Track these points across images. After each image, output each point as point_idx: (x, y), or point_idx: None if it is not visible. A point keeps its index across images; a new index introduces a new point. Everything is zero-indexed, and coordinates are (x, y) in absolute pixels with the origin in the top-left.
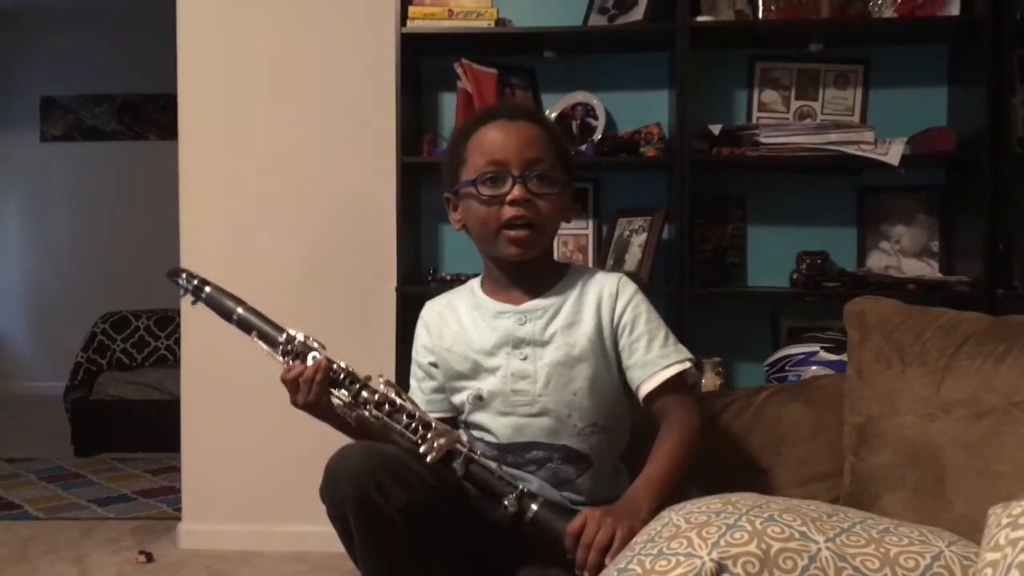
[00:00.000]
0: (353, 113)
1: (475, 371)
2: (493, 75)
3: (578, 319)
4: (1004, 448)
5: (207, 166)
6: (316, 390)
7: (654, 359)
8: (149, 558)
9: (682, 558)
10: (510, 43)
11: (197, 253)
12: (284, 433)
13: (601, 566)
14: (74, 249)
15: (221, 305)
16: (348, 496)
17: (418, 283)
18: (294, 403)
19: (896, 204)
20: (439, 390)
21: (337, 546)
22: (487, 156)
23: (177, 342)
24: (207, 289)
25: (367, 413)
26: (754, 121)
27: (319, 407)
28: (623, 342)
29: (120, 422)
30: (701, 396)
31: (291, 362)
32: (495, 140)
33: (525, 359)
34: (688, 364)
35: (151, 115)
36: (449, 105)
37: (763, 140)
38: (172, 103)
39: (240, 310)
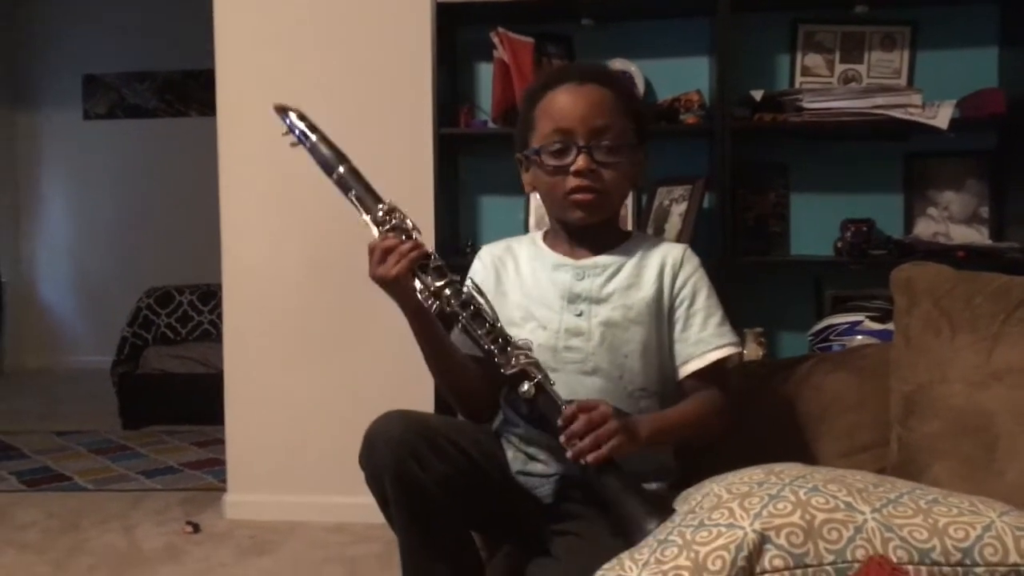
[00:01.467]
0: (389, 85)
1: (526, 319)
2: (530, 44)
3: (638, 281)
4: None
5: (245, 141)
6: (404, 265)
7: (707, 338)
8: (196, 528)
9: (724, 529)
10: (547, 10)
11: (238, 228)
12: (326, 405)
13: (591, 450)
14: (118, 226)
15: (324, 157)
16: (386, 465)
17: (456, 255)
18: (373, 274)
19: (944, 169)
20: None
21: (378, 517)
22: (553, 123)
23: (219, 316)
24: (313, 137)
25: (447, 308)
26: (797, 86)
27: (399, 284)
28: (679, 312)
29: (165, 395)
30: (737, 382)
31: (387, 234)
32: (563, 106)
33: (580, 315)
34: (737, 348)
35: (192, 92)
36: (486, 75)
37: (806, 106)
38: (212, 79)
39: (342, 168)
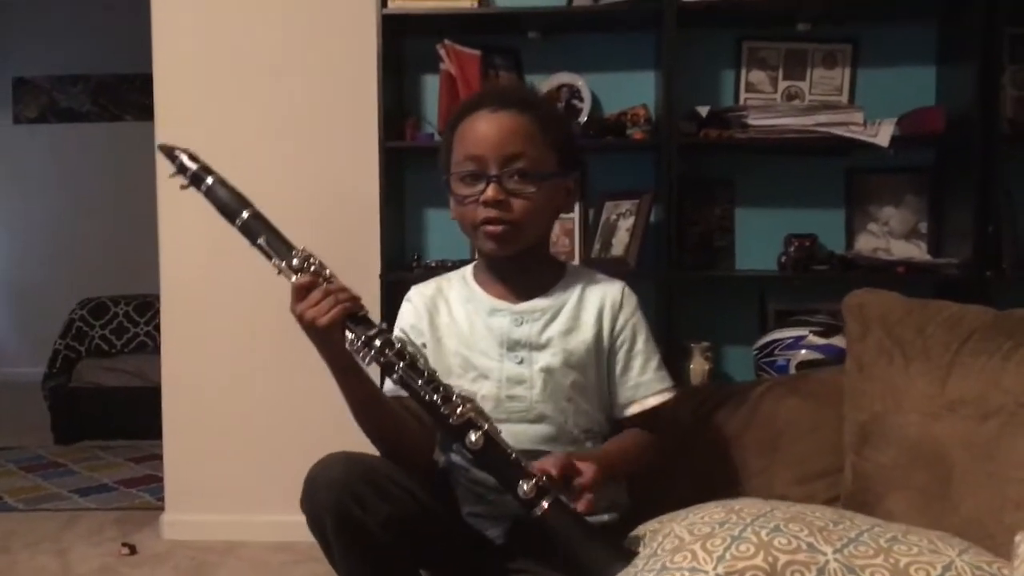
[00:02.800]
0: (334, 96)
1: (466, 369)
2: (477, 56)
3: (577, 325)
4: (1014, 450)
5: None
6: (337, 311)
7: (647, 382)
8: (132, 550)
9: (687, 573)
10: (494, 23)
11: (176, 237)
12: (268, 420)
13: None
14: (50, 234)
15: (223, 202)
16: (327, 508)
17: (402, 270)
18: (301, 315)
19: (885, 185)
20: None
21: None
22: (465, 150)
23: (157, 328)
24: (209, 180)
25: (381, 359)
26: (741, 102)
27: (329, 332)
28: (620, 355)
29: (100, 409)
30: (685, 413)
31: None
32: (475, 133)
33: (521, 363)
34: (674, 393)
35: (127, 96)
36: (432, 87)
37: (752, 122)
38: (148, 83)
39: (246, 213)
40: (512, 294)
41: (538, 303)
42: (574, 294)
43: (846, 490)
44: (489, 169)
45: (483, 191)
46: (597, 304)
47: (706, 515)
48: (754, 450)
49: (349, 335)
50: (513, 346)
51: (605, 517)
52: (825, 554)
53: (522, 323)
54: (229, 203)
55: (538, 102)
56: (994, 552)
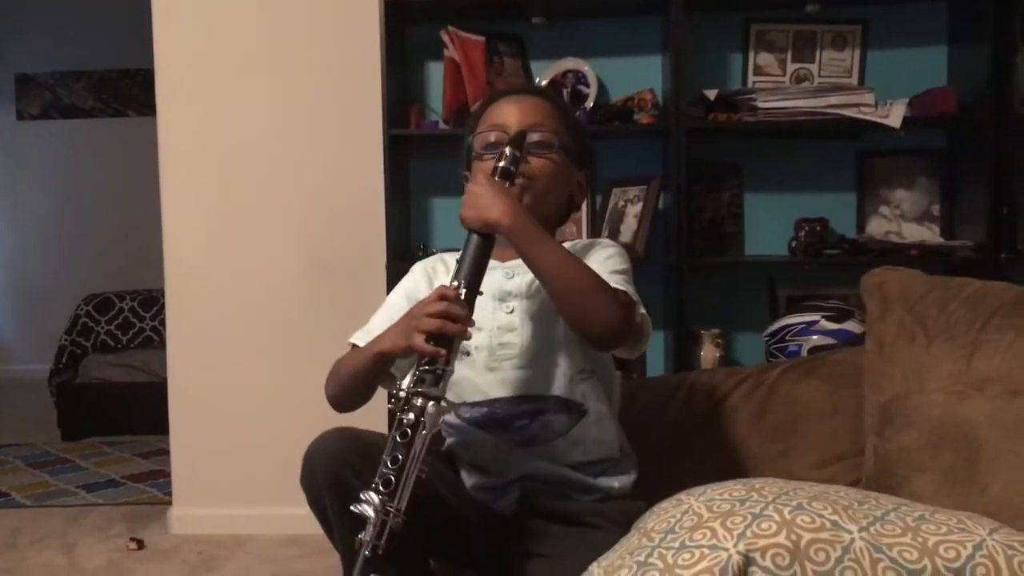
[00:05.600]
0: (337, 85)
1: None
2: (481, 43)
3: None
4: None
5: (187, 141)
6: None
7: (604, 273)
8: (140, 545)
9: (707, 551)
10: (497, 9)
11: (180, 231)
12: (275, 413)
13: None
14: (55, 230)
15: None
16: (325, 483)
17: (408, 259)
18: (436, 315)
19: (896, 168)
20: None
21: None
22: (490, 122)
23: (162, 323)
24: None
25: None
26: (750, 85)
27: (433, 350)
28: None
29: (107, 405)
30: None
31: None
32: (501, 110)
33: (512, 312)
34: (635, 299)
35: (130, 91)
36: (436, 75)
37: (760, 105)
38: (150, 78)
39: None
40: (506, 255)
41: None
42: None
43: (867, 473)
44: (510, 131)
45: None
46: (583, 254)
47: (726, 492)
48: (771, 433)
49: (408, 378)
50: (505, 297)
51: (615, 483)
52: (851, 532)
53: (513, 276)
54: None
55: (558, 97)
56: None
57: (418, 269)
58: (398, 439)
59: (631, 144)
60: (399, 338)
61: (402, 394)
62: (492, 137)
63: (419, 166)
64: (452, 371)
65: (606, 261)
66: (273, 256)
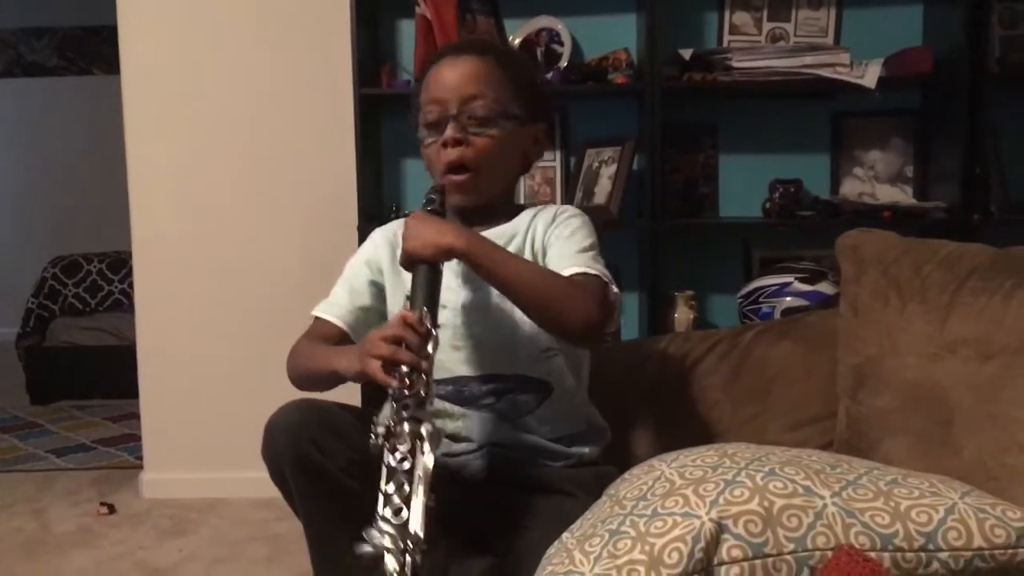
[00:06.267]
0: (307, 43)
1: None
2: (453, 0)
3: (523, 247)
4: (1018, 390)
5: (152, 101)
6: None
7: (571, 254)
8: (111, 509)
9: (679, 518)
10: None
11: (146, 193)
12: (246, 375)
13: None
14: (19, 192)
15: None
16: (285, 454)
17: (379, 220)
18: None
19: (870, 129)
20: (364, 309)
21: None
22: (429, 95)
23: (131, 286)
24: None
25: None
26: (725, 44)
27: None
28: (549, 243)
29: (76, 369)
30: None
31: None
32: (437, 79)
33: (477, 290)
34: (606, 280)
35: (95, 48)
36: (408, 33)
37: (736, 64)
38: (115, 36)
39: None
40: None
41: (491, 232)
42: (524, 221)
43: (840, 436)
44: (449, 110)
45: (443, 132)
46: (543, 224)
47: (698, 458)
48: (745, 397)
49: (384, 412)
50: (469, 275)
51: (586, 450)
52: (823, 497)
53: None
54: None
55: (499, 47)
56: (998, 495)
57: (379, 236)
58: (394, 465)
59: (606, 104)
60: (354, 360)
61: (381, 429)
62: (431, 116)
63: (391, 126)
64: (434, 396)
65: (571, 238)
66: (241, 218)
